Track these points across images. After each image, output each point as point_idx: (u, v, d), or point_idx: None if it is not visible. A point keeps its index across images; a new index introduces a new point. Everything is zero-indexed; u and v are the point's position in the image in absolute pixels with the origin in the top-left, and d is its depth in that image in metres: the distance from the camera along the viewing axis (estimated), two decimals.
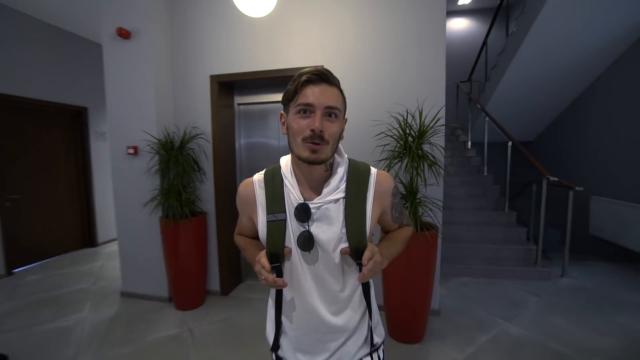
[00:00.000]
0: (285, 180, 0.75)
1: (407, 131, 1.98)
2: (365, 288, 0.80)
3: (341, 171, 0.75)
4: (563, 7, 3.08)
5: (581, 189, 3.03)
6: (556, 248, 3.65)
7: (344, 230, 0.72)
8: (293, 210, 0.72)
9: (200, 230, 2.58)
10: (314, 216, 0.72)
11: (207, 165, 2.67)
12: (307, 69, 0.69)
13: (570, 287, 2.86)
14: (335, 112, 0.68)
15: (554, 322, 2.28)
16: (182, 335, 2.18)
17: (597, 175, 3.90)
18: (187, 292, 2.55)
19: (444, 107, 2.14)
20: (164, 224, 2.40)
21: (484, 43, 5.14)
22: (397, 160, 1.99)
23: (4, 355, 1.50)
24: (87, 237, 4.22)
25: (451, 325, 2.26)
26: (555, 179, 2.99)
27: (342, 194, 0.73)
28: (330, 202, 0.73)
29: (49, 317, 2.43)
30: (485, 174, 4.17)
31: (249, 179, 0.81)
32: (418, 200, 1.95)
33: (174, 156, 2.38)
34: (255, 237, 0.86)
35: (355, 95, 2.29)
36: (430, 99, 2.19)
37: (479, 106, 4.31)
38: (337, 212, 0.73)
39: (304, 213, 0.71)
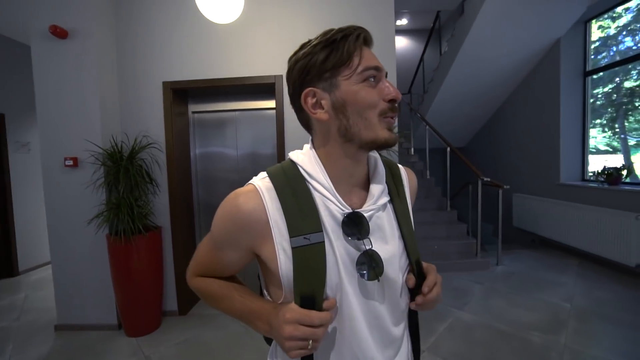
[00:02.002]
0: (312, 184, 0.52)
1: None
2: (414, 319, 0.61)
3: (382, 167, 0.57)
4: (484, 33, 3.60)
5: (508, 187, 3.53)
6: (490, 240, 4.15)
7: (401, 245, 0.55)
8: (334, 225, 0.50)
9: (155, 246, 2.39)
10: (369, 229, 0.51)
11: (161, 176, 2.50)
12: (344, 27, 0.51)
13: (504, 273, 3.28)
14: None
15: (496, 305, 2.59)
16: None
17: (517, 175, 4.56)
18: (140, 316, 2.33)
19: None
20: (112, 241, 2.18)
21: (421, 59, 5.71)
22: None
23: None
24: (4, 266, 3.57)
25: None
26: (488, 179, 3.43)
27: (387, 197, 0.57)
28: (380, 208, 0.54)
29: None
30: (428, 177, 4.59)
31: (247, 188, 0.52)
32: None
33: (124, 167, 2.19)
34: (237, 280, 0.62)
35: None
36: None
37: (419, 115, 4.75)
38: (390, 221, 0.55)
39: (357, 226, 0.50)
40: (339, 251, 0.50)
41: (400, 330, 0.57)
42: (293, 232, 0.49)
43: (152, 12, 2.45)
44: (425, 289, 0.52)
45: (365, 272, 0.49)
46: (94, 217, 2.20)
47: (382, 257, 0.51)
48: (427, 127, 4.46)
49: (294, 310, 0.46)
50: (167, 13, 2.45)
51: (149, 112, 2.48)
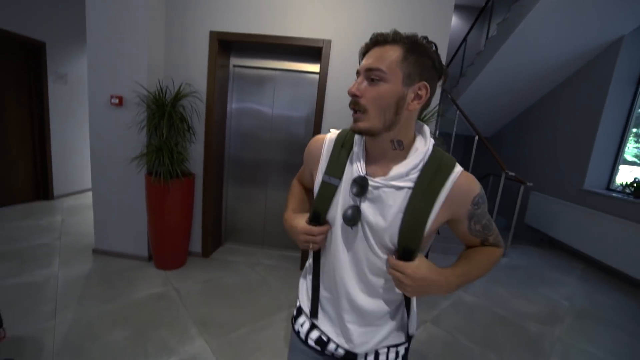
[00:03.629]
0: (355, 148, 0.70)
1: None
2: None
3: (417, 159, 0.64)
4: (541, 23, 3.40)
5: (531, 184, 3.53)
6: (499, 233, 4.23)
7: (397, 224, 0.64)
8: (350, 179, 0.67)
9: (188, 191, 2.54)
10: (369, 195, 0.65)
11: (199, 125, 2.58)
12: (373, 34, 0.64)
13: (510, 266, 3.39)
14: (375, 75, 0.59)
15: (498, 292, 2.73)
16: (169, 294, 2.21)
17: (539, 173, 4.52)
18: (169, 252, 2.54)
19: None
20: (151, 182, 2.32)
21: (464, 40, 5.43)
22: None
23: None
24: (41, 189, 3.83)
25: None
26: (513, 174, 3.43)
27: (410, 184, 0.64)
28: (392, 187, 0.64)
29: (11, 271, 2.26)
30: None
31: (321, 135, 0.77)
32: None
33: (168, 112, 2.27)
34: (310, 189, 0.86)
35: None
36: None
37: (449, 97, 4.63)
38: (396, 202, 0.64)
39: (360, 187, 0.65)
40: (342, 197, 0.69)
41: (379, 283, 0.71)
42: (326, 171, 0.72)
43: None
44: (391, 263, 0.64)
45: (348, 217, 0.66)
46: (135, 157, 2.32)
47: (371, 220, 0.66)
48: (458, 112, 4.37)
49: (303, 225, 0.73)
50: None
51: (193, 61, 2.50)
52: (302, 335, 0.81)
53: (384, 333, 0.75)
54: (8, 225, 3.05)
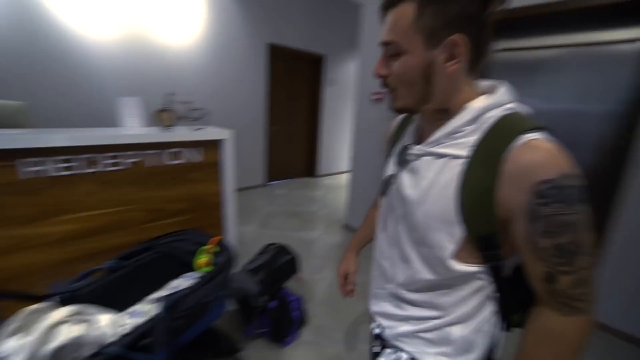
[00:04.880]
0: (414, 119, 0.65)
1: None
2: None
3: (466, 116, 0.50)
4: None
5: None
6: None
7: (453, 201, 0.50)
8: (398, 151, 0.64)
9: None
10: (410, 165, 0.58)
11: None
12: None
13: None
14: (390, 49, 0.51)
15: None
16: None
17: None
18: None
19: None
20: None
21: None
22: None
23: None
24: (310, 168, 5.11)
25: None
26: None
27: (460, 152, 0.50)
28: (431, 154, 0.54)
29: (295, 227, 3.09)
30: None
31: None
32: None
33: None
34: None
35: None
36: None
37: None
38: (440, 174, 0.52)
39: (399, 156, 0.62)
40: (390, 164, 0.67)
41: (413, 269, 0.58)
42: (395, 135, 0.71)
43: None
44: None
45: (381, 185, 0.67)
46: None
47: (408, 193, 0.57)
48: None
49: (340, 268, 0.89)
50: None
51: None
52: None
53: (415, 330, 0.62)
54: (294, 192, 4.24)
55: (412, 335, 0.62)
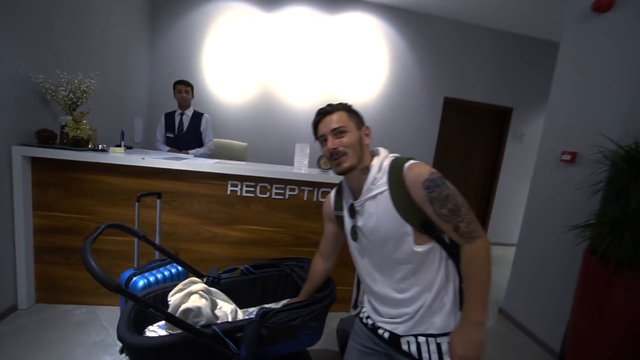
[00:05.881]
0: (344, 189, 1.05)
1: None
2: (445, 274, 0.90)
3: (374, 170, 0.92)
4: None
5: None
6: None
7: (388, 220, 0.88)
8: (347, 208, 1.02)
9: None
10: (360, 212, 0.95)
11: None
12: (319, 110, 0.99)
13: None
14: (340, 129, 0.92)
15: None
16: None
17: None
18: None
19: None
20: (590, 262, 1.73)
21: None
22: None
23: None
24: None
25: None
26: None
27: (382, 189, 0.89)
28: (368, 199, 0.92)
29: None
30: None
31: (327, 197, 1.19)
32: None
33: None
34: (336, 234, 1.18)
35: None
36: None
37: None
38: (378, 207, 0.90)
39: (350, 212, 1.00)
40: (347, 221, 1.03)
41: (397, 274, 0.92)
42: (334, 208, 1.11)
43: None
44: None
45: (350, 234, 1.02)
46: (577, 226, 1.84)
47: (366, 229, 0.94)
48: None
49: None
50: None
51: None
52: (363, 318, 1.09)
53: (417, 320, 0.90)
54: None
55: (421, 319, 0.90)
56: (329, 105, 0.98)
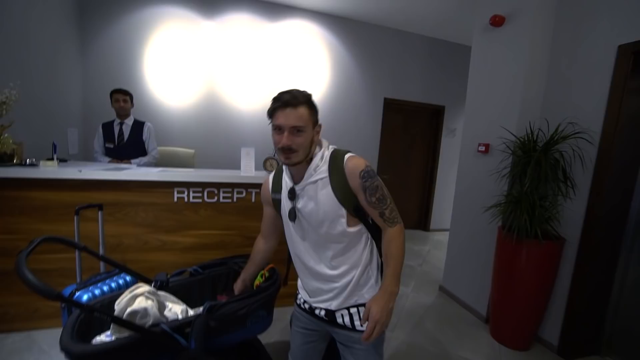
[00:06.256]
0: (284, 173, 1.07)
1: None
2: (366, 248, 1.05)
3: (316, 159, 0.98)
4: None
5: None
6: None
7: (328, 203, 0.97)
8: (285, 191, 1.05)
9: (550, 259, 1.96)
10: (300, 196, 1.01)
11: (582, 175, 1.92)
12: (279, 93, 0.93)
13: None
14: (299, 128, 0.91)
15: None
16: None
17: None
18: (509, 325, 2.08)
19: None
20: (503, 236, 2.05)
21: None
22: None
23: None
24: (423, 221, 4.82)
25: None
26: None
27: (323, 175, 0.97)
28: (309, 184, 0.98)
29: None
30: None
31: (265, 181, 1.20)
32: None
33: (535, 159, 1.90)
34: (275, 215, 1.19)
35: None
36: None
37: None
38: (318, 191, 0.98)
39: (289, 194, 1.03)
40: (285, 203, 1.07)
41: (330, 253, 1.02)
42: (272, 190, 1.13)
43: None
44: (367, 333, 0.91)
45: (290, 216, 1.05)
46: (491, 207, 2.17)
47: (306, 211, 1.01)
48: None
49: None
50: None
51: (583, 92, 1.92)
52: (300, 304, 1.19)
53: (348, 294, 1.03)
54: None
55: (352, 292, 1.03)
56: (293, 95, 0.91)
